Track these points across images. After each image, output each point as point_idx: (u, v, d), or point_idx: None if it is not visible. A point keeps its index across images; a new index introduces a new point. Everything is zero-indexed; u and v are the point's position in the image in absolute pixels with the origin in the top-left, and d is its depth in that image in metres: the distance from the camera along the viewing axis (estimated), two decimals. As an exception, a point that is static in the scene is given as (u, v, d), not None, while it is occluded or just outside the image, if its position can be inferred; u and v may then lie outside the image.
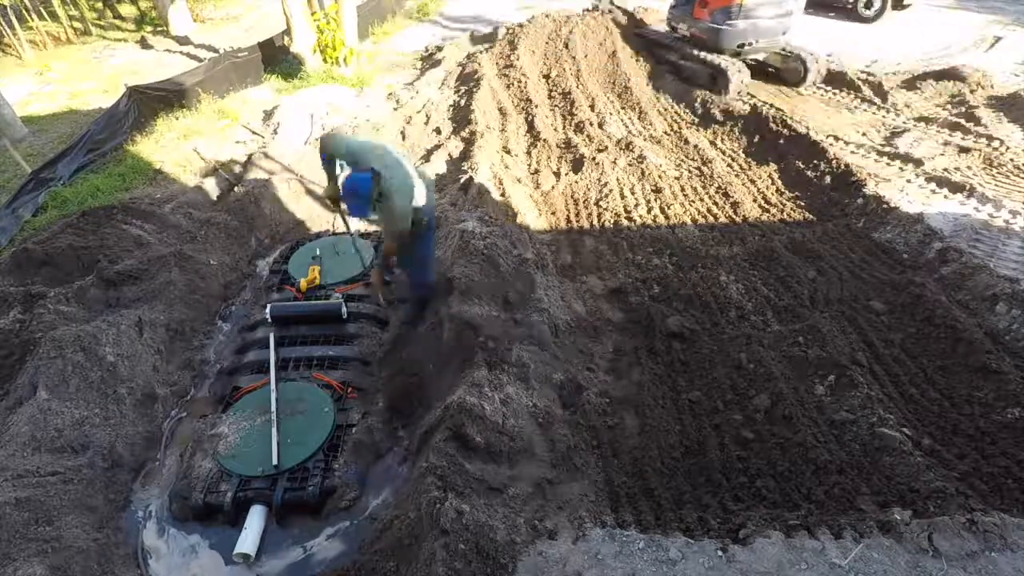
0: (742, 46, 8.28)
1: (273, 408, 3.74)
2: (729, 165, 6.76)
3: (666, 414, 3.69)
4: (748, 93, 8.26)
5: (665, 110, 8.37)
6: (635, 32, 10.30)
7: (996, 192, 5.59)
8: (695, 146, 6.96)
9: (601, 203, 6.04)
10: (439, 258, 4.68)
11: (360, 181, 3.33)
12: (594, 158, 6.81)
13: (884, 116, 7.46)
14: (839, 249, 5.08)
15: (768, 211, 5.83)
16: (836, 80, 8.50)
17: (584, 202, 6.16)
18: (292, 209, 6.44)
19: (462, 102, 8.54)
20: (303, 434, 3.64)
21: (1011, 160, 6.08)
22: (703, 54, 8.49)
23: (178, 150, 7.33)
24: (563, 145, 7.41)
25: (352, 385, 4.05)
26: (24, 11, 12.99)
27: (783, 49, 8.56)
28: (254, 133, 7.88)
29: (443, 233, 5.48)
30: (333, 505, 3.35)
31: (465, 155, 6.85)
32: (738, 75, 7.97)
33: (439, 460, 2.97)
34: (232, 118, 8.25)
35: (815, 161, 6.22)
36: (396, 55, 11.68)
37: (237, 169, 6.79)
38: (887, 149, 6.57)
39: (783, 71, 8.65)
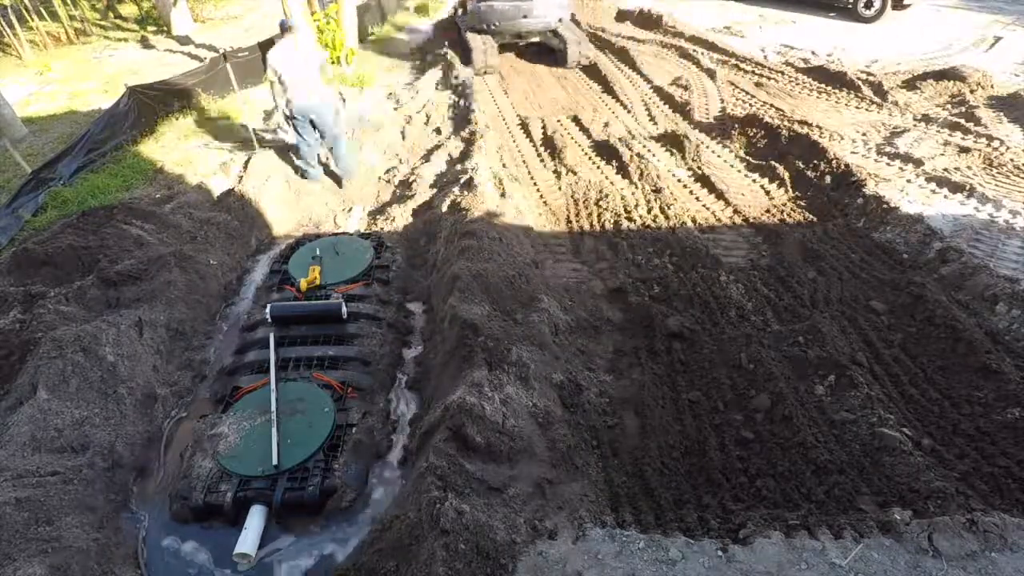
0: (490, 26, 10.34)
1: (273, 408, 3.74)
2: (730, 165, 6.77)
3: (666, 414, 3.69)
4: (744, 100, 8.27)
5: (663, 112, 8.38)
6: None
7: (996, 192, 5.59)
8: (695, 145, 6.96)
9: (601, 203, 6.03)
10: (445, 258, 5.11)
11: None
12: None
13: (884, 116, 7.46)
14: (839, 249, 5.08)
15: (768, 211, 5.83)
16: (836, 80, 8.50)
17: (584, 202, 6.16)
18: (292, 209, 6.44)
19: (462, 102, 8.54)
20: (303, 434, 3.64)
21: (1011, 160, 6.08)
22: (467, 34, 10.54)
23: (178, 150, 7.33)
24: (564, 145, 7.40)
25: (352, 385, 4.05)
26: (24, 11, 12.98)
27: (554, 32, 10.48)
28: (254, 133, 7.87)
29: (444, 234, 5.50)
30: (333, 505, 3.35)
31: (465, 155, 6.85)
32: (482, 49, 9.98)
33: (439, 460, 2.97)
34: (232, 118, 8.25)
35: (815, 161, 6.22)
36: (396, 55, 11.67)
37: (237, 169, 6.79)
38: (887, 149, 6.57)
39: (556, 52, 10.60)
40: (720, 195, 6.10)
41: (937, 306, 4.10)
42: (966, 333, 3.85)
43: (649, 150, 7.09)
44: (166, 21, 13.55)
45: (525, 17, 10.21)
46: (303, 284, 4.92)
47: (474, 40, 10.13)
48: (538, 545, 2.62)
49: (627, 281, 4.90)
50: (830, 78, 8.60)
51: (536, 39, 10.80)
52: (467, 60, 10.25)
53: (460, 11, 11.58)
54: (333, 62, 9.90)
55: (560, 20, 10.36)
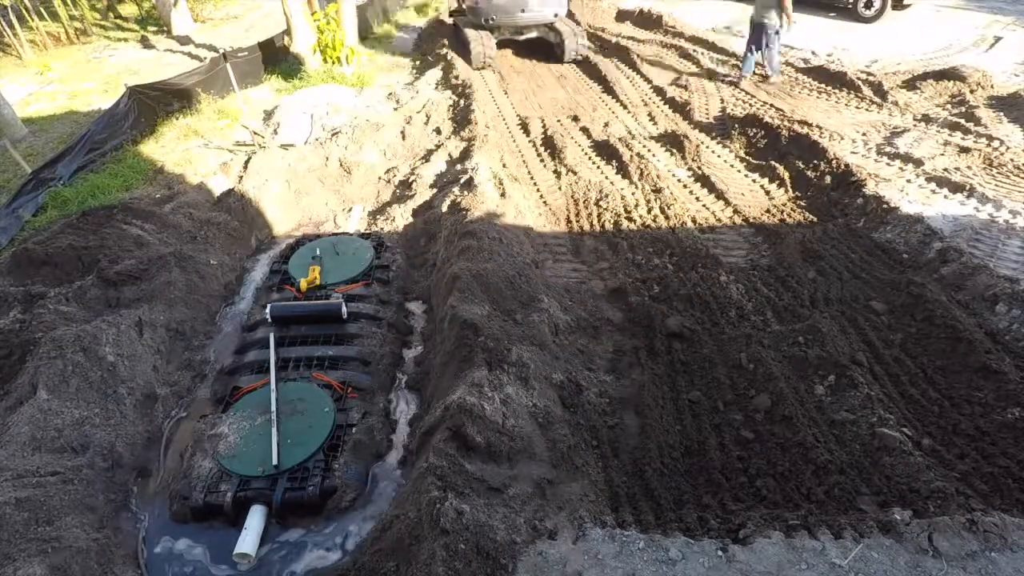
0: (487, 20, 10.26)
1: (273, 408, 3.74)
2: (730, 165, 6.77)
3: (666, 414, 3.69)
4: (744, 98, 8.28)
5: (663, 112, 8.38)
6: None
7: (996, 192, 5.58)
8: (695, 145, 6.96)
9: (601, 203, 6.03)
10: (445, 258, 5.12)
11: None
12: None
13: (884, 116, 7.46)
14: (839, 249, 5.08)
15: (768, 211, 5.83)
16: (836, 80, 8.50)
17: (584, 202, 6.15)
18: (292, 209, 6.44)
19: (462, 102, 8.54)
20: (303, 434, 3.64)
21: (1011, 160, 6.07)
22: (466, 30, 10.50)
23: (178, 150, 7.33)
24: (564, 145, 7.40)
25: (352, 385, 4.05)
26: (24, 11, 12.98)
27: (551, 27, 10.48)
28: (254, 133, 7.88)
29: (444, 234, 5.50)
30: (333, 505, 3.35)
31: (465, 155, 6.85)
32: (480, 43, 9.98)
33: (439, 460, 2.97)
34: (232, 118, 8.25)
35: (815, 161, 6.22)
36: (396, 55, 11.68)
37: (237, 169, 6.79)
38: (887, 149, 6.57)
39: (554, 45, 10.63)
40: (720, 195, 6.10)
41: (937, 306, 4.10)
42: (966, 333, 3.84)
43: (649, 150, 7.09)
44: (166, 21, 13.55)
45: (523, 11, 10.17)
46: (303, 284, 4.92)
47: (472, 35, 10.06)
48: (538, 545, 2.62)
49: (627, 281, 4.90)
50: (830, 78, 8.60)
51: (534, 34, 10.76)
52: (466, 56, 10.25)
53: (458, 4, 11.52)
54: (333, 62, 9.91)
55: (556, 15, 10.30)
